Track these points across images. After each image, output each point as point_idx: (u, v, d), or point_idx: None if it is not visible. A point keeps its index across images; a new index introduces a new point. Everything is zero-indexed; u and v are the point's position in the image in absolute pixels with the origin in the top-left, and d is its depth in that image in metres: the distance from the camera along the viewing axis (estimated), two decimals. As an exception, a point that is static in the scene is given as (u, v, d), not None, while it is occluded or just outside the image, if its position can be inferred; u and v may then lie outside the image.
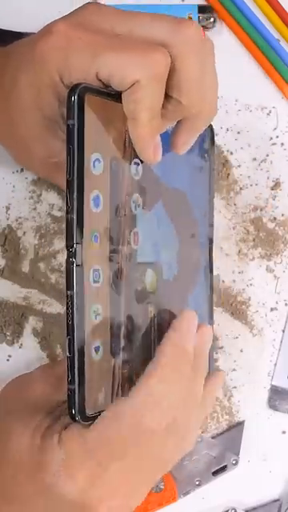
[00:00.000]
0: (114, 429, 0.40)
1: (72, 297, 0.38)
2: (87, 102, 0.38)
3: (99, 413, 0.40)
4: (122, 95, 0.40)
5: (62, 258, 0.55)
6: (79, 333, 0.38)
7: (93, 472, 0.40)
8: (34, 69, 0.42)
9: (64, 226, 0.55)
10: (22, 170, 0.56)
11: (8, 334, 0.55)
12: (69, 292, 0.38)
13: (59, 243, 0.55)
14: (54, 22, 0.43)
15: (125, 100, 0.40)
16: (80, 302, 0.38)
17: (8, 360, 0.55)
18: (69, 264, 0.38)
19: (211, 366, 0.49)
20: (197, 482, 0.53)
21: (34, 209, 0.56)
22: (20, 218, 0.56)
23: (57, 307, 0.55)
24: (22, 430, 0.42)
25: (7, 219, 0.56)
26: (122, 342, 0.42)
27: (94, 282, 0.39)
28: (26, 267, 0.55)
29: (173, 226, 0.47)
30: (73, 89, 0.38)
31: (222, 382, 0.49)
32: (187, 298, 0.49)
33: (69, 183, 0.38)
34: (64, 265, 0.55)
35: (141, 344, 0.43)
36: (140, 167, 0.44)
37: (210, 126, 0.50)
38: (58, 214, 0.56)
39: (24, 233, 0.56)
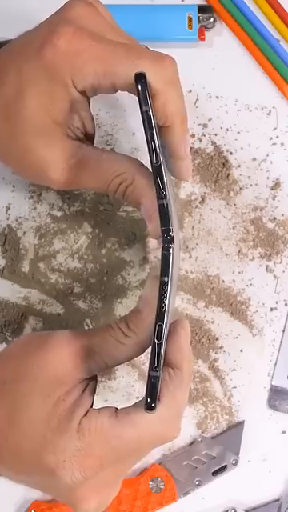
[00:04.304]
0: (148, 434, 0.41)
1: (167, 283, 0.37)
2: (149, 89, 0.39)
3: None
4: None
5: (62, 257, 0.55)
6: (167, 320, 0.38)
7: (98, 467, 0.40)
8: (43, 76, 0.43)
9: (64, 226, 0.55)
10: (21, 169, 0.56)
11: (8, 334, 0.55)
12: (165, 278, 0.37)
13: (59, 243, 0.55)
14: (53, 25, 0.43)
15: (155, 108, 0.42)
16: (171, 288, 0.38)
17: (8, 360, 0.55)
18: (166, 250, 0.38)
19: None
20: (197, 482, 0.53)
21: (34, 209, 0.56)
22: (20, 217, 0.56)
23: (57, 307, 0.55)
24: (41, 401, 0.41)
25: (7, 219, 0.56)
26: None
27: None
28: (26, 267, 0.55)
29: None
30: (140, 77, 0.38)
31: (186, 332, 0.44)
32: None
33: (157, 169, 0.38)
34: (64, 265, 0.55)
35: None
36: None
37: None
38: (58, 213, 0.56)
39: (24, 233, 0.56)
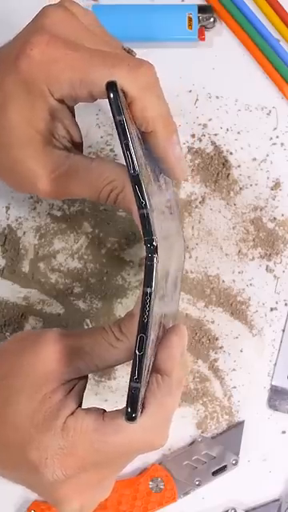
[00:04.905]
0: (133, 441, 0.40)
1: (150, 294, 0.36)
2: (121, 97, 0.38)
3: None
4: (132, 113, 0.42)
5: (62, 257, 0.55)
6: (150, 331, 0.37)
7: (80, 468, 0.40)
8: (22, 88, 0.43)
9: (64, 226, 0.55)
10: (21, 169, 0.56)
11: (8, 334, 0.55)
12: (148, 289, 0.36)
13: (59, 243, 0.55)
14: (29, 34, 0.43)
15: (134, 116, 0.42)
16: (154, 299, 0.37)
17: (8, 360, 0.55)
18: (149, 260, 0.36)
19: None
20: (197, 482, 0.53)
21: (34, 209, 0.56)
22: (20, 217, 0.56)
23: (56, 307, 0.55)
24: (29, 397, 0.41)
25: (7, 219, 0.56)
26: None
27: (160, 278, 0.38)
28: (26, 267, 0.55)
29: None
30: (111, 86, 0.37)
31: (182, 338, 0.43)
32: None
33: (135, 178, 0.37)
34: (64, 265, 0.55)
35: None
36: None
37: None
38: (58, 213, 0.56)
39: (24, 233, 0.56)
